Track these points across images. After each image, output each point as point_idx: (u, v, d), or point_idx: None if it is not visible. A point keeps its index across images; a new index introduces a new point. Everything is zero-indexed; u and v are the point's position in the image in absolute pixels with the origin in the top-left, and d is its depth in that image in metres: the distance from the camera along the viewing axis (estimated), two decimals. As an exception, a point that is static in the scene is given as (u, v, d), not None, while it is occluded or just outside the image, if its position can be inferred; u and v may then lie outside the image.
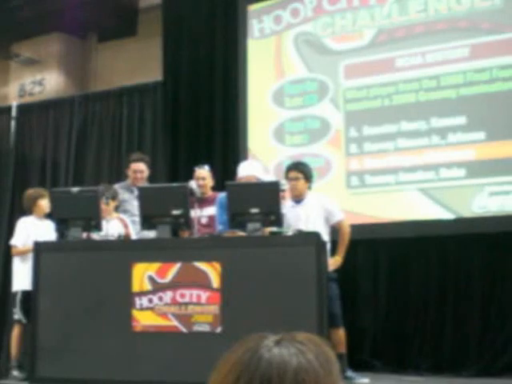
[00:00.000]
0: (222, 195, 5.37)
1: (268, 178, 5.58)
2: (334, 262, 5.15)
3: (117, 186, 6.05)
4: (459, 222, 6.06)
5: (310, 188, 5.34)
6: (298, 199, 5.28)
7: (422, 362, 5.98)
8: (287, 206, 5.25)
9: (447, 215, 6.10)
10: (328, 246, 5.14)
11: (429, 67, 6.32)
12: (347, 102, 6.64)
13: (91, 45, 9.08)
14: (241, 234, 4.81)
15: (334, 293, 5.13)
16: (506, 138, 5.95)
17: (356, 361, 5.65)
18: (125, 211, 5.89)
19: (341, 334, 5.20)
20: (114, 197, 5.62)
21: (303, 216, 5.17)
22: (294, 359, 1.13)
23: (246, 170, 5.38)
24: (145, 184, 6.01)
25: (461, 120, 6.13)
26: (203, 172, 5.90)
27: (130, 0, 8.28)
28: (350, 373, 5.25)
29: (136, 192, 5.72)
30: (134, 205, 5.75)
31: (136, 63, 8.35)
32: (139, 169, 6.10)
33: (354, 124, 6.58)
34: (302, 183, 5.22)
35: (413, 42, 6.44)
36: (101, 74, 8.87)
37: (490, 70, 6.10)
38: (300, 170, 5.26)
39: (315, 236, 4.52)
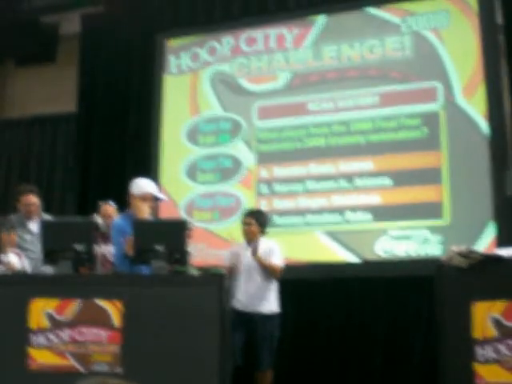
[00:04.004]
0: (116, 221, 5.21)
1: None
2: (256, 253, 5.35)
3: (12, 218, 5.82)
4: (364, 265, 6.17)
5: (263, 233, 5.53)
6: (249, 241, 5.49)
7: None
8: (240, 247, 5.52)
9: (352, 258, 6.21)
10: (276, 286, 5.41)
11: (339, 112, 6.48)
12: (259, 143, 6.73)
13: (8, 69, 8.86)
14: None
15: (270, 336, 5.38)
16: (410, 184, 6.13)
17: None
18: (17, 246, 5.67)
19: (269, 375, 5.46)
20: (14, 228, 5.45)
21: (250, 257, 5.38)
22: None
23: (150, 187, 5.20)
24: (41, 216, 5.78)
25: (368, 165, 6.30)
26: (110, 209, 5.79)
27: (50, 26, 8.16)
28: None
29: (29, 226, 5.62)
30: (26, 240, 5.59)
31: (53, 91, 8.20)
32: (31, 202, 5.76)
33: (265, 164, 6.66)
34: (254, 228, 5.47)
35: (325, 87, 6.60)
36: (17, 100, 8.65)
37: (397, 117, 6.30)
38: (254, 216, 5.54)
39: (218, 276, 4.50)
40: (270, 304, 5.41)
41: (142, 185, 5.09)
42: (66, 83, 8.02)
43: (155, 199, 5.10)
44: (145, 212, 4.98)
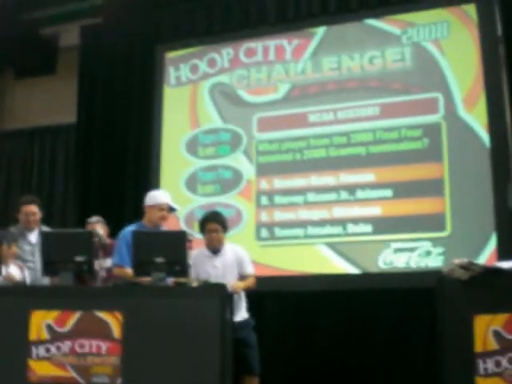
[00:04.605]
0: (126, 231, 5.19)
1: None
2: (235, 284, 5.08)
3: (12, 230, 5.82)
4: (366, 277, 6.15)
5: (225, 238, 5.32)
6: (214, 249, 5.23)
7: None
8: (202, 255, 5.23)
9: (353, 270, 6.19)
10: (242, 295, 5.16)
11: (340, 124, 6.49)
12: (259, 155, 6.73)
13: (8, 80, 8.87)
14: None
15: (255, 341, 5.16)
16: (412, 195, 6.12)
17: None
18: (17, 257, 5.66)
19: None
20: (16, 241, 5.44)
21: (219, 266, 5.17)
22: None
23: (166, 198, 5.23)
24: (40, 227, 5.79)
25: (369, 177, 6.29)
26: (97, 227, 5.74)
27: (50, 38, 8.18)
28: None
29: (28, 237, 5.63)
30: (25, 250, 5.58)
31: (53, 102, 8.22)
32: (31, 211, 5.77)
33: (265, 176, 6.66)
34: (221, 234, 5.22)
35: (325, 98, 6.61)
36: (17, 111, 8.66)
37: (398, 129, 6.30)
38: (219, 221, 5.24)
39: (220, 288, 4.48)
40: (241, 311, 5.18)
41: (158, 195, 5.25)
42: (65, 94, 8.03)
43: (170, 209, 5.19)
44: (162, 219, 5.12)
